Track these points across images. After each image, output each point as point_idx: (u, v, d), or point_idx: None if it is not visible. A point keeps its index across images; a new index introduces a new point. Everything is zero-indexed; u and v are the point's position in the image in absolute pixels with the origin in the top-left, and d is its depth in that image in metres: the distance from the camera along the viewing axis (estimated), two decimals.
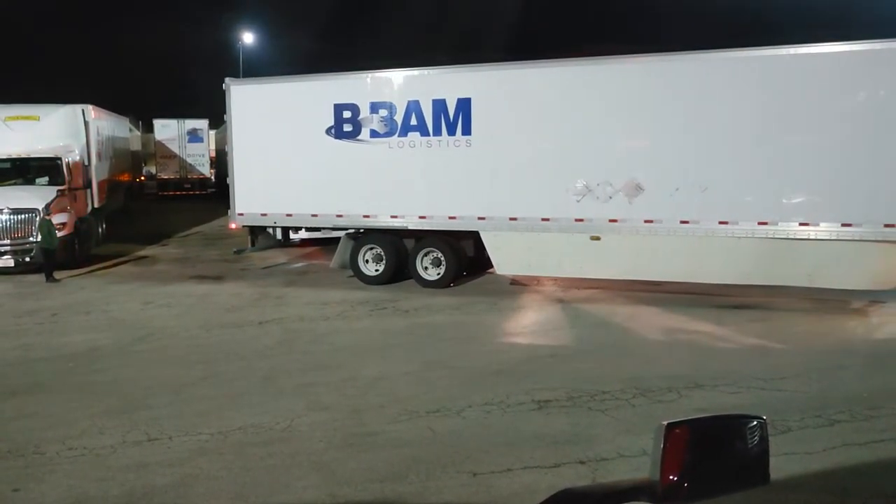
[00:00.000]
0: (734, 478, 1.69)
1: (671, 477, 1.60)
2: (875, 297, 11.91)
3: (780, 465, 1.67)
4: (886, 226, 10.90)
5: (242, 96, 15.18)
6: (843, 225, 11.11)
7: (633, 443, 6.33)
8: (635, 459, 5.99)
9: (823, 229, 11.22)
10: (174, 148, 35.71)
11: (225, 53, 45.56)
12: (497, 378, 8.44)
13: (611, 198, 12.38)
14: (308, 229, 15.60)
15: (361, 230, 14.61)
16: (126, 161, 28.77)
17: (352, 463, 6.14)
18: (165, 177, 36.25)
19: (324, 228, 15.27)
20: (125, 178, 28.45)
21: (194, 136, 35.84)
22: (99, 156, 20.71)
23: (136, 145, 33.75)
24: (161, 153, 36.10)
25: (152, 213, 29.51)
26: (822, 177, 11.29)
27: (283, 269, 16.88)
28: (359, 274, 14.66)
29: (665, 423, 1.63)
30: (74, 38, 68.88)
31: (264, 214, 15.17)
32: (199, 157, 35.98)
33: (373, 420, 7.17)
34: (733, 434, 1.71)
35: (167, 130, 35.70)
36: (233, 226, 15.79)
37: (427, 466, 6.02)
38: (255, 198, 15.13)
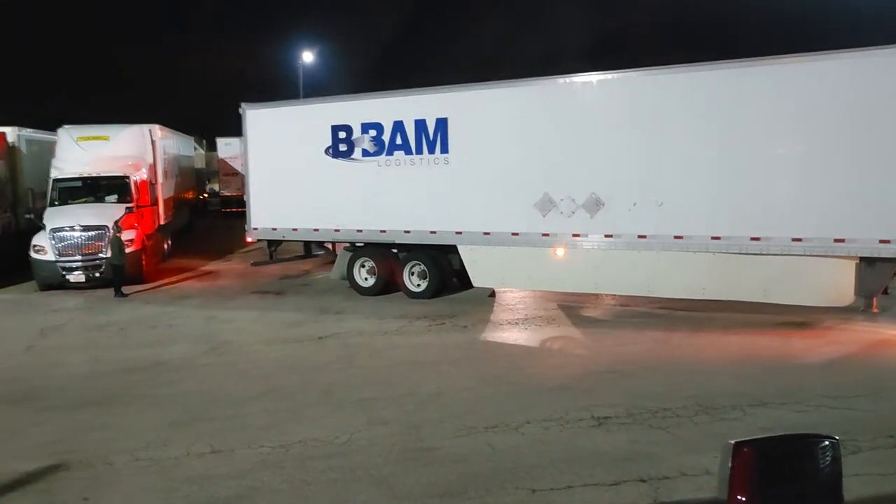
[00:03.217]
0: (805, 498, 1.64)
1: (740, 497, 1.56)
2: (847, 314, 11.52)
3: (852, 487, 1.62)
4: (836, 241, 10.63)
5: (256, 119, 16.08)
6: (794, 240, 10.89)
7: (697, 462, 6.20)
8: (699, 479, 5.86)
9: (774, 244, 11.04)
10: (237, 166, 36.47)
11: (287, 72, 46.51)
12: (555, 394, 8.38)
13: (574, 213, 12.55)
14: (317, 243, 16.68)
15: (358, 244, 15.29)
16: (191, 179, 29.57)
17: (411, 478, 6.16)
18: (228, 194, 36.99)
19: (325, 242, 16.29)
20: (190, 195, 29.25)
21: None
22: (165, 174, 21.36)
23: (200, 163, 34.57)
24: (224, 171, 36.89)
25: (216, 230, 30.18)
26: (772, 192, 11.14)
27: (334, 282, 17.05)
28: (354, 285, 15.41)
29: (733, 441, 1.60)
30: (141, 58, 71.45)
31: (274, 229, 16.14)
32: None
33: (431, 435, 7.19)
34: (803, 454, 1.67)
35: (230, 149, 36.40)
36: (249, 239, 16.86)
37: (486, 482, 5.99)
38: (267, 213, 16.07)
